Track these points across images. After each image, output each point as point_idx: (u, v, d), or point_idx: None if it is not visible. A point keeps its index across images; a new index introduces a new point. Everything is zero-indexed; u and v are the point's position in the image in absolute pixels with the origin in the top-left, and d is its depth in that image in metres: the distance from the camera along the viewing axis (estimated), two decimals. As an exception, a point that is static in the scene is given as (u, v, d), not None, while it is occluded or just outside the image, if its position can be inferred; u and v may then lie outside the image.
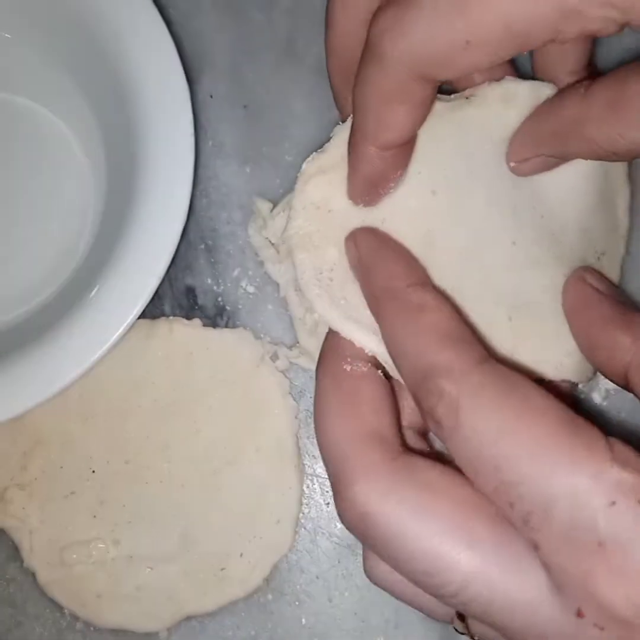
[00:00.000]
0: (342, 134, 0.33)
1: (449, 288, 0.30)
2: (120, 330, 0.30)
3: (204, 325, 0.36)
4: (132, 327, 0.33)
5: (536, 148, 0.29)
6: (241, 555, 0.34)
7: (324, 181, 0.32)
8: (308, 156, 0.37)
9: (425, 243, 0.30)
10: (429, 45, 0.24)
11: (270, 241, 0.36)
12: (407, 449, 0.25)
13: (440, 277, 0.30)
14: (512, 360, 0.31)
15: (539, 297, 0.31)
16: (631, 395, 0.36)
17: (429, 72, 0.25)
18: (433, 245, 0.30)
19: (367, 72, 0.25)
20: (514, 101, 0.31)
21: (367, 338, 0.29)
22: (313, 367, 0.34)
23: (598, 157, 0.27)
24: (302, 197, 0.31)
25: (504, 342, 0.30)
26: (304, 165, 0.32)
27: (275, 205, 0.36)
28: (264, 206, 0.36)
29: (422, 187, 0.31)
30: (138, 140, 0.31)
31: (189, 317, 0.36)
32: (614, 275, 0.34)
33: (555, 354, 0.31)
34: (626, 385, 0.28)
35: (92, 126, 0.35)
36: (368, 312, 0.29)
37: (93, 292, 0.31)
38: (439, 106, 0.31)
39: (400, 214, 0.31)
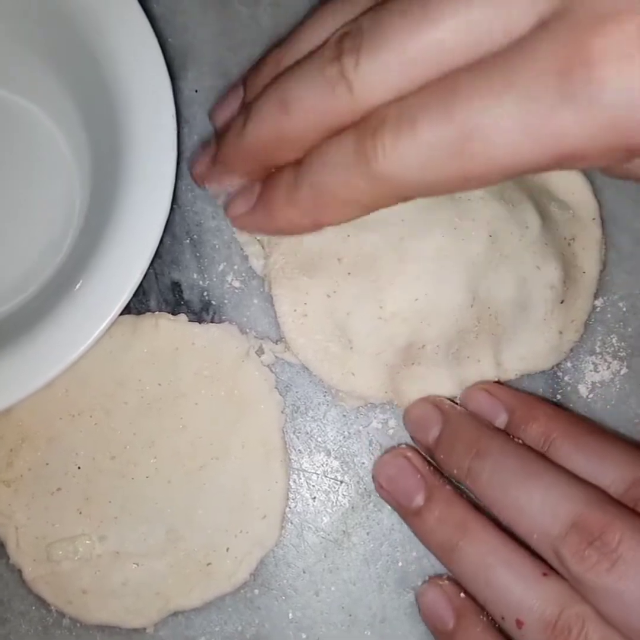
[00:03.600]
0: None
1: (423, 294, 0.32)
2: (104, 325, 0.30)
3: (190, 320, 0.35)
4: (117, 322, 0.33)
5: None
6: (227, 550, 0.34)
7: None
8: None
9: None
10: (426, 175, 0.24)
11: (255, 237, 0.36)
12: None
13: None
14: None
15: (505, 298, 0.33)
16: (617, 387, 0.36)
17: (412, 195, 0.25)
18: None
19: (346, 174, 0.25)
20: None
21: (335, 374, 0.34)
22: (298, 361, 0.34)
23: None
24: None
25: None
26: None
27: None
28: None
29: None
30: (121, 135, 0.31)
31: (174, 313, 0.36)
32: (591, 259, 0.35)
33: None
34: None
35: (77, 121, 0.35)
36: (336, 348, 0.33)
37: (76, 287, 0.31)
38: None
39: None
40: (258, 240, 0.36)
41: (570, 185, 0.36)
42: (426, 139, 0.23)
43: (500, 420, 0.32)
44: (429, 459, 0.33)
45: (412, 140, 0.23)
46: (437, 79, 0.23)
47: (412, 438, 0.33)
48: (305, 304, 0.33)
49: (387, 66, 0.23)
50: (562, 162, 0.22)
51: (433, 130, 0.23)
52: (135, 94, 0.31)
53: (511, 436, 0.31)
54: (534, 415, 0.31)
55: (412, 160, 0.23)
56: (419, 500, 0.31)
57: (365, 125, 0.24)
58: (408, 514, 0.32)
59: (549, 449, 0.30)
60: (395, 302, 0.32)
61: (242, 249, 0.36)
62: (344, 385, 0.34)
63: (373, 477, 0.34)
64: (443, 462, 0.31)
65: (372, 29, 0.24)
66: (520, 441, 0.31)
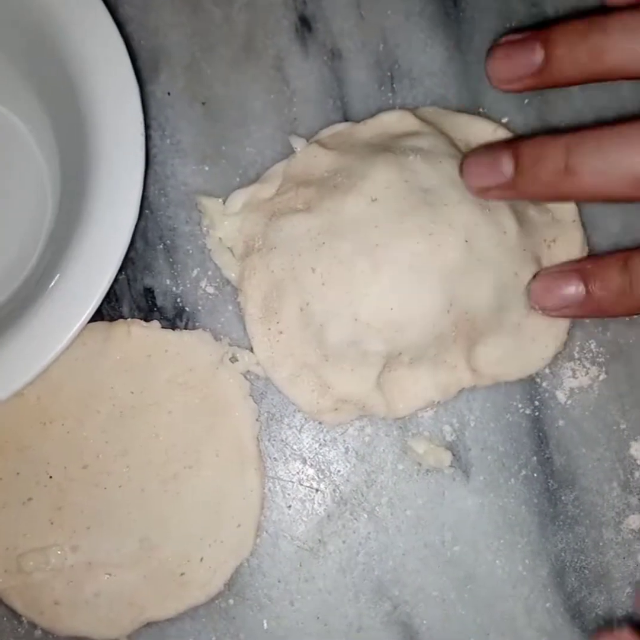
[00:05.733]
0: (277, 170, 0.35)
1: (397, 304, 0.32)
2: (73, 331, 0.30)
3: (163, 327, 0.35)
4: (89, 329, 0.32)
5: None
6: (202, 559, 0.34)
7: (252, 220, 0.35)
8: (267, 153, 0.36)
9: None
10: None
11: (227, 246, 0.35)
12: None
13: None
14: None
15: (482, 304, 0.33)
16: (596, 393, 0.36)
17: None
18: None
19: None
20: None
21: (309, 397, 0.34)
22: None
23: None
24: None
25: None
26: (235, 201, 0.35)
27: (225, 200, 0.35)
28: (210, 203, 0.35)
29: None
30: (88, 142, 0.30)
31: (147, 319, 0.35)
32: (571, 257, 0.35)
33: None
34: None
35: (48, 128, 0.35)
36: (312, 361, 0.33)
37: (46, 293, 0.30)
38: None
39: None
40: (229, 248, 0.35)
41: None
42: None
43: None
44: None
45: None
46: None
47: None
48: (278, 322, 0.33)
49: None
50: None
51: None
52: (101, 100, 0.30)
53: None
54: None
55: None
56: None
57: None
58: None
59: None
60: (369, 312, 0.32)
61: (212, 258, 0.35)
62: (320, 404, 0.34)
63: None
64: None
65: None
66: None
